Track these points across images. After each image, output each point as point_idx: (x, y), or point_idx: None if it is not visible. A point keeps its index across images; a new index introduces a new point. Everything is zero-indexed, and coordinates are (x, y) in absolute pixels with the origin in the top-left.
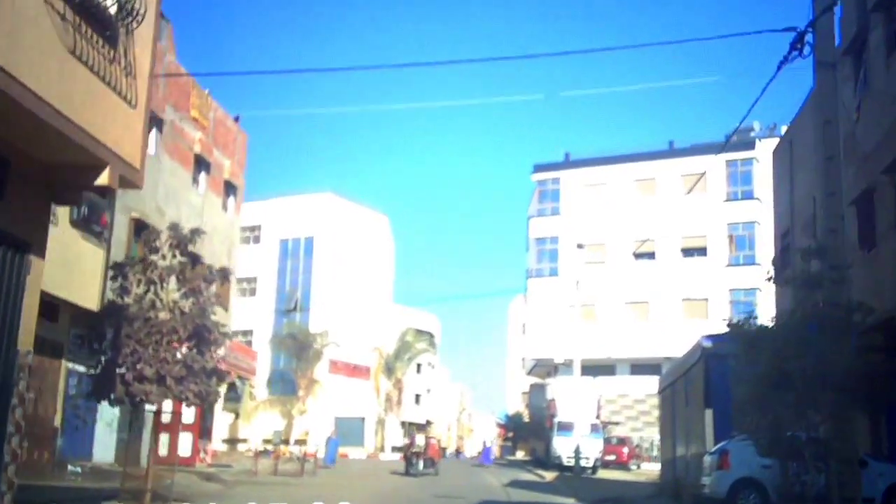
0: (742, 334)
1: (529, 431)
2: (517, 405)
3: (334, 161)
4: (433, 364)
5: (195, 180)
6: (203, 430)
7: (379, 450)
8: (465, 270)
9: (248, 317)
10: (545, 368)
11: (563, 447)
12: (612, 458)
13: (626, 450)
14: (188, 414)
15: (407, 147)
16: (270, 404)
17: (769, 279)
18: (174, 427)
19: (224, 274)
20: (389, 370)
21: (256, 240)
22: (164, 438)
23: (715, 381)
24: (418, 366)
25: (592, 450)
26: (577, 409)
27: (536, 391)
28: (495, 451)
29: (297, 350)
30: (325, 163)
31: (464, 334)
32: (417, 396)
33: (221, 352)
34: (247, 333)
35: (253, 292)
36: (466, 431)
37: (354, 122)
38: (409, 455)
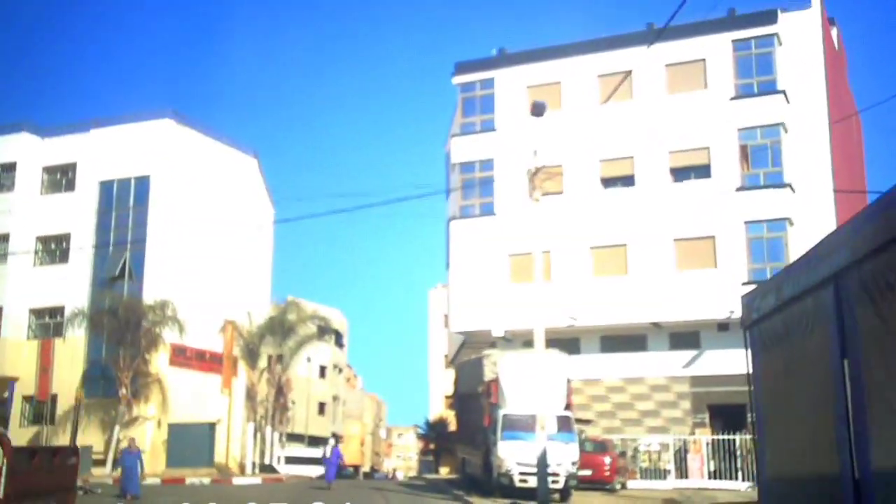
0: None
1: (457, 438)
2: (441, 411)
3: (180, 80)
4: (340, 367)
5: None
6: None
7: (238, 469)
8: (372, 252)
9: (56, 289)
10: (477, 348)
11: (513, 456)
12: (585, 472)
13: (607, 459)
14: None
15: (283, 59)
16: (86, 410)
17: None
18: None
19: None
20: (252, 355)
21: (69, 185)
22: None
23: None
24: (322, 369)
25: (563, 460)
26: (534, 396)
27: (467, 370)
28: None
29: (119, 332)
30: (165, 83)
31: (376, 338)
32: (322, 405)
33: None
34: (54, 313)
35: (63, 256)
36: (383, 447)
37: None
38: None
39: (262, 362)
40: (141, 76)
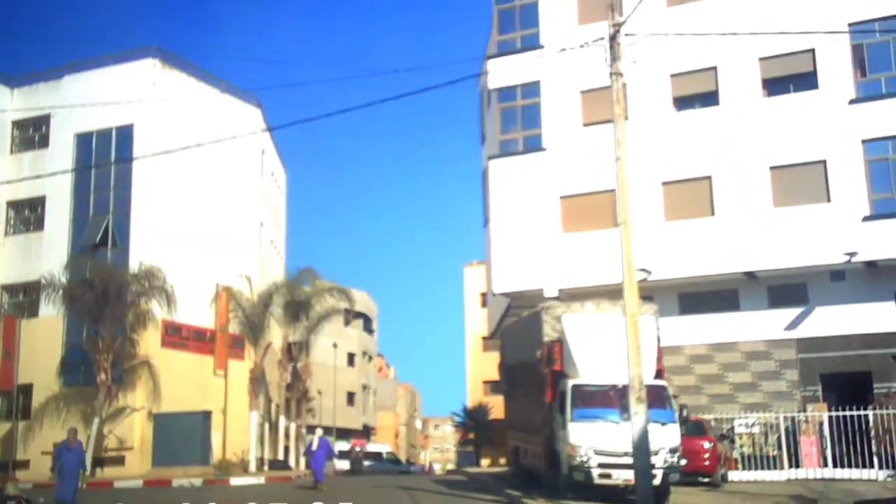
0: None
1: (508, 422)
2: (480, 397)
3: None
4: (370, 355)
5: None
6: None
7: (240, 466)
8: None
9: (31, 263)
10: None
11: (590, 442)
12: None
13: (707, 445)
14: None
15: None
16: (65, 401)
17: None
18: None
19: None
20: (255, 330)
21: (43, 140)
22: None
23: None
24: (350, 356)
25: (659, 446)
26: (615, 359)
27: (518, 333)
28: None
29: (97, 307)
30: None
31: (409, 325)
32: (351, 395)
33: None
34: (29, 290)
35: (38, 223)
36: (419, 439)
37: None
38: None
39: (276, 340)
40: (128, 21)
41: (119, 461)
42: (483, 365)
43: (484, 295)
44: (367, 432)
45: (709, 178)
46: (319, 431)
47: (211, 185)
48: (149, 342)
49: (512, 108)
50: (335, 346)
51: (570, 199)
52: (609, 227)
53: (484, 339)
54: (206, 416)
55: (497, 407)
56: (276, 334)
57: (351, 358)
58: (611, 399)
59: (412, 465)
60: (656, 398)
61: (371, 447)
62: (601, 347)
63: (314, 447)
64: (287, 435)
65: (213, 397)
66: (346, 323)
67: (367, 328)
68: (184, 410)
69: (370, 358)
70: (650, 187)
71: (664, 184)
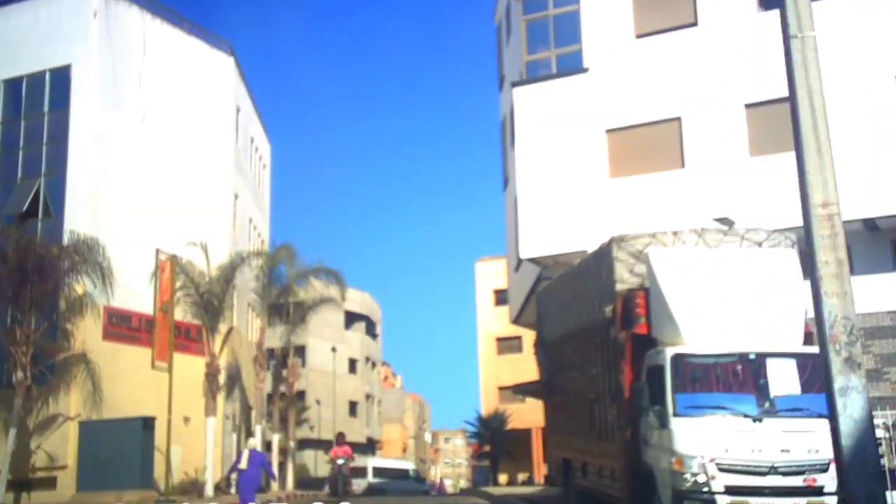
0: None
1: (550, 425)
2: (496, 405)
3: None
4: (374, 361)
5: None
6: None
7: (194, 488)
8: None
9: None
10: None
11: (714, 451)
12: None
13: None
14: None
15: None
16: None
17: None
18: None
19: None
20: (211, 313)
21: None
22: None
23: None
24: (351, 362)
25: (816, 449)
26: (735, 318)
27: (567, 287)
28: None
29: (13, 287)
30: None
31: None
32: (353, 405)
33: None
34: None
35: None
36: (429, 453)
37: None
38: None
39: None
40: None
41: (49, 483)
42: (498, 369)
43: (498, 292)
44: (371, 446)
45: None
46: (252, 440)
47: (170, 143)
48: (87, 333)
49: (542, 18)
50: (334, 350)
51: (620, 134)
52: (672, 168)
53: (498, 340)
54: (147, 423)
55: (517, 415)
56: (252, 326)
57: (352, 364)
58: (740, 378)
59: (422, 481)
60: (809, 378)
61: (392, 463)
62: (713, 296)
63: (242, 464)
64: (269, 449)
65: (180, 405)
66: (347, 325)
67: (370, 332)
68: (117, 417)
69: (374, 365)
70: (729, 110)
71: (748, 106)
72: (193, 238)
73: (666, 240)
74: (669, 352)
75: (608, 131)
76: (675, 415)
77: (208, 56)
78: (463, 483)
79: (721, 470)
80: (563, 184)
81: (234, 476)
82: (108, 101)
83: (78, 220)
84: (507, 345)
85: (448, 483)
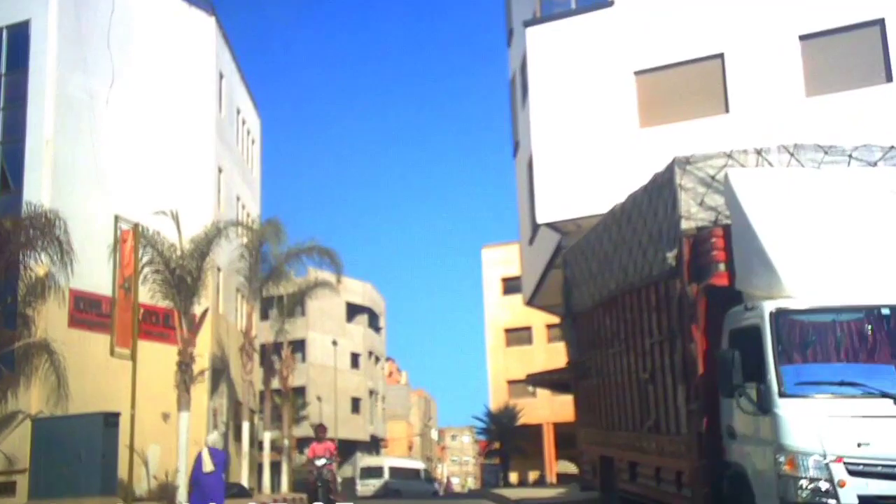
0: None
1: (582, 416)
2: (505, 399)
3: None
4: (378, 356)
5: None
6: None
7: (165, 494)
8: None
9: None
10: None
11: (841, 445)
12: None
13: None
14: None
15: None
16: None
17: None
18: None
19: None
20: (184, 291)
21: None
22: None
23: None
24: (354, 357)
25: None
26: (855, 262)
27: (609, 235)
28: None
29: None
30: None
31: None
32: (356, 402)
33: None
34: None
35: None
36: (436, 451)
37: None
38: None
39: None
40: None
41: (8, 489)
42: (507, 362)
43: (506, 280)
44: (375, 444)
45: (879, 21)
46: (213, 436)
47: (144, 109)
48: (50, 320)
49: None
50: (335, 343)
51: (652, 76)
52: (714, 114)
53: (507, 331)
54: (110, 420)
55: (527, 410)
56: (243, 314)
57: (355, 359)
58: (869, 342)
59: (432, 481)
60: None
61: (406, 463)
62: (822, 231)
63: (206, 466)
64: (261, 448)
65: (153, 397)
66: (349, 318)
67: (373, 325)
68: (77, 413)
69: (377, 359)
70: (781, 44)
71: (802, 38)
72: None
73: (747, 160)
74: (768, 307)
75: (637, 73)
76: (782, 395)
77: (186, 15)
78: (471, 483)
79: (852, 473)
80: (585, 137)
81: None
82: (72, 62)
83: (38, 191)
84: (516, 336)
85: (455, 482)
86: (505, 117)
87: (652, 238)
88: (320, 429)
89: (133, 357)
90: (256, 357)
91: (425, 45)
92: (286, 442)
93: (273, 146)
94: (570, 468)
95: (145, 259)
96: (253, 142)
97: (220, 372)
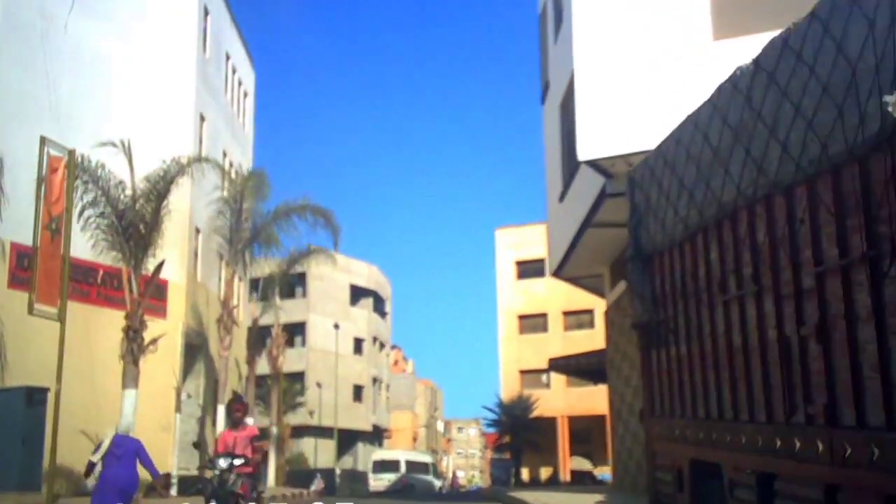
0: None
1: (651, 408)
2: (518, 389)
3: None
4: (383, 342)
5: None
6: None
7: None
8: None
9: None
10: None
11: None
12: None
13: None
14: None
15: None
16: None
17: None
18: None
19: None
20: (132, 240)
21: None
22: None
23: None
24: (357, 342)
25: None
26: None
27: (726, 103)
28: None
29: None
30: None
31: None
32: (358, 389)
33: None
34: None
35: None
36: (441, 443)
37: None
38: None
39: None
40: None
41: None
42: (520, 351)
43: (521, 263)
44: (378, 434)
45: None
46: (124, 423)
47: (111, 39)
48: None
49: None
50: (337, 326)
51: None
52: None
53: (520, 318)
54: (35, 396)
55: (541, 402)
56: (219, 279)
57: (358, 344)
58: None
59: (440, 475)
60: None
61: (416, 456)
62: None
63: (97, 455)
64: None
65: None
66: (353, 301)
67: (379, 310)
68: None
69: (382, 346)
70: None
71: None
72: (145, 159)
73: None
74: None
75: None
76: None
77: None
78: (478, 478)
79: None
80: (639, 54)
81: (92, 476)
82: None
83: None
84: (531, 323)
85: (461, 476)
86: (527, 74)
87: (833, 92)
88: (236, 406)
89: (61, 317)
90: (239, 332)
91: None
92: (274, 429)
93: (273, 110)
94: (585, 465)
95: (87, 199)
96: (245, 94)
97: (197, 348)
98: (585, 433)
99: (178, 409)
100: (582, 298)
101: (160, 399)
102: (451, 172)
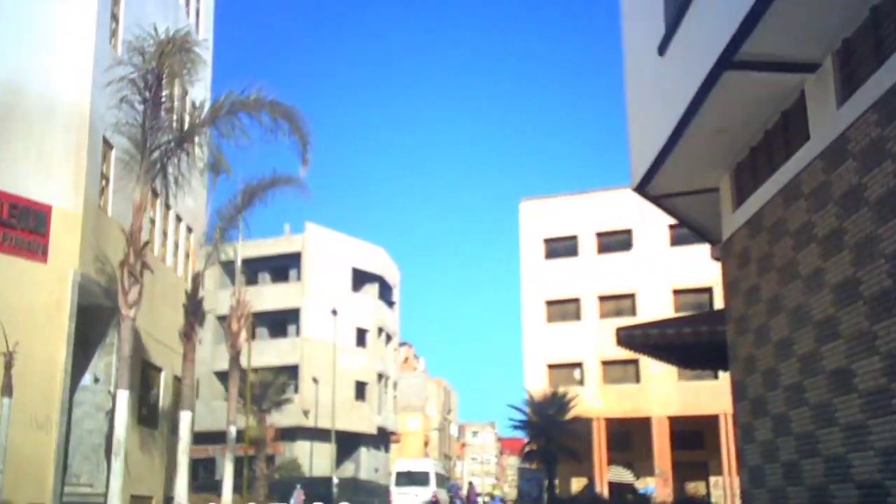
0: None
1: None
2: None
3: None
4: (390, 334)
5: None
6: None
7: None
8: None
9: None
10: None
11: None
12: None
13: None
14: None
15: None
16: None
17: None
18: None
19: None
20: None
21: None
22: None
23: None
24: (360, 333)
25: None
26: None
27: None
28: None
29: None
30: None
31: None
32: (361, 386)
33: None
34: None
35: None
36: (455, 448)
37: None
38: None
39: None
40: None
41: None
42: (549, 342)
43: (549, 241)
44: (384, 438)
45: None
46: None
47: None
48: None
49: None
50: (335, 312)
51: None
52: None
53: (549, 304)
54: None
55: (577, 400)
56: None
57: (361, 335)
58: None
59: (457, 487)
60: None
61: (409, 464)
62: None
63: None
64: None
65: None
66: (355, 287)
67: (386, 297)
68: None
69: (389, 338)
70: None
71: None
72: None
73: None
74: None
75: None
76: None
77: None
78: (498, 490)
79: None
80: None
81: None
82: None
83: None
84: (561, 310)
85: (477, 482)
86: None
87: None
88: None
89: None
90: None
91: None
92: (232, 430)
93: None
94: (624, 476)
95: None
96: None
97: (107, 312)
98: (624, 438)
99: (68, 398)
100: (621, 281)
101: (38, 384)
102: (468, 142)
